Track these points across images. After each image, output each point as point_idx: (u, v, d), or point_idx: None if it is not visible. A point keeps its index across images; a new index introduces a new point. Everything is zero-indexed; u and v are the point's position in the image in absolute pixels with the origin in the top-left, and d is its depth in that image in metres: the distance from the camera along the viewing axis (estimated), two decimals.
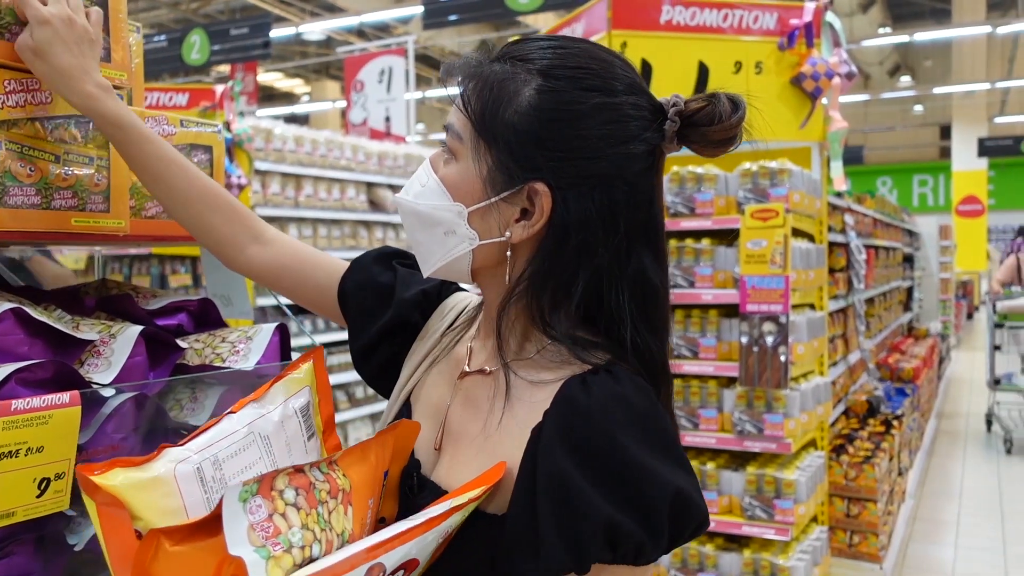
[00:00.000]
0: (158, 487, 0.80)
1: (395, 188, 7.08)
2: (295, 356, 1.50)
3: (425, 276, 1.00)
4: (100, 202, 1.27)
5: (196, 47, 8.79)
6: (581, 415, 0.83)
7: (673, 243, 3.72)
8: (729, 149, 0.94)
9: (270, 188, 5.66)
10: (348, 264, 1.20)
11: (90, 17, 1.16)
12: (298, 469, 0.80)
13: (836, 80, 3.94)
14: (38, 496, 1.07)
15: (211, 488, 0.82)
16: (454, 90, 0.95)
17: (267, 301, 4.76)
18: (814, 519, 3.92)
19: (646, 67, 3.81)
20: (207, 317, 1.53)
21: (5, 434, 1.02)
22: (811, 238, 3.99)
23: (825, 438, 4.04)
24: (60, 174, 1.21)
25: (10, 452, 1.03)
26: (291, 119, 18.89)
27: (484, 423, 0.93)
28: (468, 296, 1.16)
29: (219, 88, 5.47)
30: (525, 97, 0.89)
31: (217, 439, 0.86)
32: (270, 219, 5.74)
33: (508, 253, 0.92)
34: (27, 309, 1.17)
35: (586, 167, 0.88)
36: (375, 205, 6.85)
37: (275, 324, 1.46)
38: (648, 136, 0.91)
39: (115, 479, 0.78)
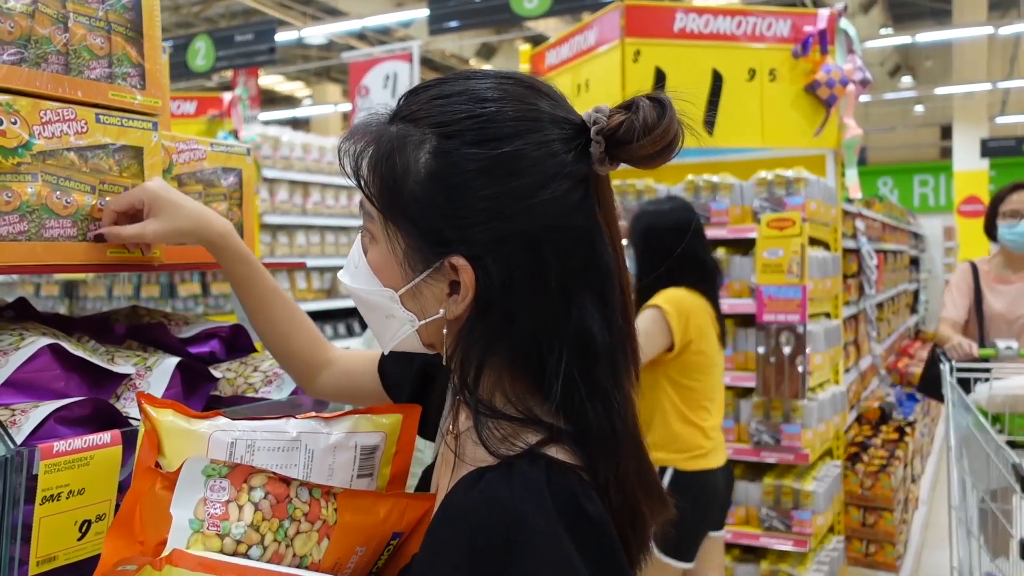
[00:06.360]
0: (192, 441, 0.87)
1: None
2: None
3: (385, 354, 0.97)
4: None
5: (201, 53, 8.76)
6: (449, 522, 0.74)
7: None
8: (670, 157, 0.80)
9: (278, 196, 5.64)
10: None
11: None
12: (283, 479, 0.83)
13: (851, 87, 3.91)
14: (79, 539, 1.04)
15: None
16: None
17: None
18: (831, 529, 3.90)
19: (660, 75, 3.79)
20: (237, 343, 1.51)
21: (47, 478, 0.99)
22: (826, 246, 3.96)
23: (841, 447, 4.01)
24: (96, 205, 1.19)
25: (52, 496, 1.00)
26: (293, 123, 18.89)
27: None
28: None
29: (227, 96, 5.45)
30: (422, 164, 0.78)
31: (265, 429, 0.91)
32: (279, 227, 5.72)
33: (444, 331, 0.83)
34: (63, 344, 1.15)
35: (500, 228, 0.76)
36: None
37: None
38: (570, 170, 0.78)
39: (163, 417, 0.87)
